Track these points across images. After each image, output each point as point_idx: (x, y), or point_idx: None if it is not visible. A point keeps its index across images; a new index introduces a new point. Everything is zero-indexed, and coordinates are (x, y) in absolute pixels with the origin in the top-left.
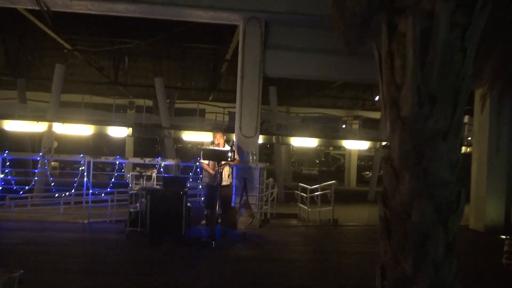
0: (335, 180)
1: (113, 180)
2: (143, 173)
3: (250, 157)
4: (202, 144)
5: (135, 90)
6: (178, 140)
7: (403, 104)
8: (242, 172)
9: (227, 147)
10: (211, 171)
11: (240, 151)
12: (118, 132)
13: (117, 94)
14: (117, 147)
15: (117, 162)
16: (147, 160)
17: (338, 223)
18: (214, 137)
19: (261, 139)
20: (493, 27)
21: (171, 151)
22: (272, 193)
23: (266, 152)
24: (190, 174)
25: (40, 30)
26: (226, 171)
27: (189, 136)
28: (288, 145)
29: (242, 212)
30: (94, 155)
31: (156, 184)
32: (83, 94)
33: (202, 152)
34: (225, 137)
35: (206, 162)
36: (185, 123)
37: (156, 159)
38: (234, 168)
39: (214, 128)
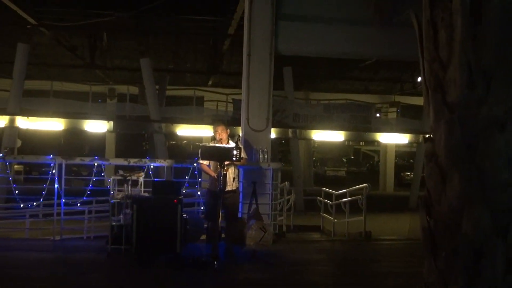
0: (367, 183)
1: (90, 186)
2: (128, 178)
3: (261, 156)
4: (200, 140)
5: (116, 74)
6: (171, 136)
7: (449, 86)
8: (251, 174)
9: (232, 144)
10: (212, 174)
11: (248, 148)
12: (96, 127)
13: (94, 80)
14: (95, 145)
15: (95, 164)
16: (133, 162)
17: (371, 237)
18: (215, 131)
19: (273, 133)
20: None
21: (162, 149)
22: (288, 201)
23: (281, 149)
24: (186, 178)
25: None
26: (230, 173)
27: (184, 130)
28: (308, 140)
29: (251, 225)
30: (66, 156)
31: (144, 191)
32: (52, 80)
33: (200, 151)
34: (228, 131)
35: (206, 162)
36: (179, 115)
37: (144, 160)
38: (241, 170)
39: (215, 121)
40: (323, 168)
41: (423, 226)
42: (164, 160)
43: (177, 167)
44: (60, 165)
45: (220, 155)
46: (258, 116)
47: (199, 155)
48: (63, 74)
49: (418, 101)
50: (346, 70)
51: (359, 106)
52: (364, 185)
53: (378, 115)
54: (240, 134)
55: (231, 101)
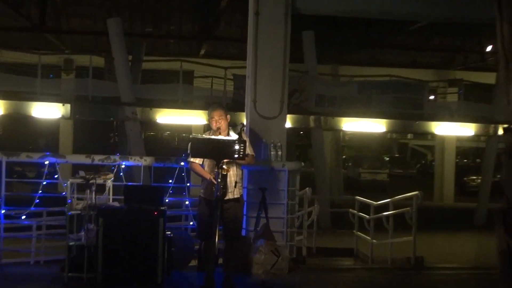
0: (417, 190)
1: (39, 193)
2: (91, 181)
3: (272, 153)
4: (189, 131)
5: (74, 40)
6: (149, 124)
7: None
8: (259, 177)
9: (233, 135)
10: (207, 176)
11: (255, 142)
12: (47, 111)
13: (45, 48)
14: (46, 137)
15: (47, 163)
16: (98, 159)
17: (424, 264)
18: (210, 118)
19: (289, 122)
20: None
21: (138, 143)
22: (310, 214)
23: (299, 144)
24: (171, 181)
25: None
26: (232, 176)
27: (168, 117)
28: (336, 131)
29: (259, 246)
30: (7, 151)
31: (114, 200)
32: None
33: (190, 145)
34: (229, 117)
35: (198, 161)
36: (161, 96)
37: (113, 157)
38: (246, 171)
39: (210, 104)
40: (357, 170)
41: (501, 250)
42: (141, 158)
43: (158, 167)
44: None
45: (217, 151)
46: (269, 98)
47: (188, 151)
48: (3, 40)
49: (489, 78)
50: (388, 36)
51: (407, 85)
52: (414, 193)
53: (432, 97)
54: (245, 123)
55: (231, 77)
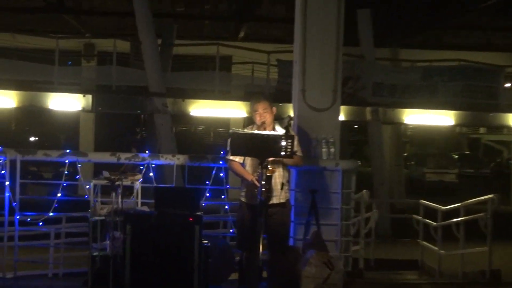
0: (492, 193)
1: (59, 195)
2: (117, 183)
3: (324, 150)
4: (227, 125)
5: (96, 21)
6: (181, 118)
7: None
8: (309, 179)
9: (279, 130)
10: (249, 178)
11: (304, 137)
12: (65, 103)
13: (63, 31)
14: (65, 132)
15: (66, 162)
16: (124, 158)
17: (501, 279)
18: (253, 111)
19: (343, 114)
20: None
21: (168, 139)
22: (367, 221)
23: (354, 140)
24: (207, 183)
25: None
26: (278, 177)
27: (202, 110)
28: (396, 125)
29: (309, 257)
30: (22, 149)
31: (143, 204)
32: None
33: (230, 141)
34: (274, 110)
35: (238, 159)
36: (194, 85)
37: (141, 156)
38: (294, 172)
39: (253, 94)
40: (421, 170)
41: None
42: (173, 156)
43: (192, 167)
44: (12, 163)
45: (261, 148)
46: (320, 86)
47: (227, 148)
48: (15, 22)
49: None
50: (457, 14)
51: (479, 71)
52: (488, 196)
53: (509, 84)
54: (292, 115)
55: (275, 63)
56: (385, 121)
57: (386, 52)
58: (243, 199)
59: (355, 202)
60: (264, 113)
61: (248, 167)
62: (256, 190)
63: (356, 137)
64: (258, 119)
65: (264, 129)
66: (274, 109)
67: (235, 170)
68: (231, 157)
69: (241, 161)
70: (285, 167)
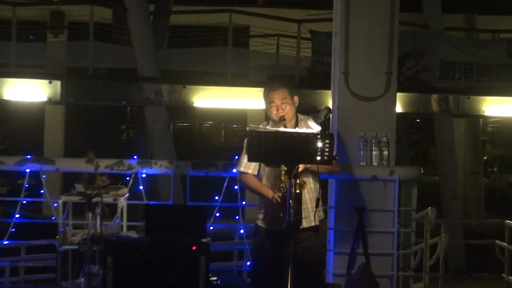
0: None
1: (16, 217)
2: (94, 200)
3: (374, 152)
4: (243, 120)
5: None
6: (181, 111)
7: None
8: (352, 191)
9: (314, 126)
10: (270, 195)
11: (347, 136)
12: (25, 92)
13: None
14: (25, 131)
15: (27, 172)
16: (104, 166)
17: None
18: (268, 102)
19: (399, 105)
20: None
21: (164, 139)
22: (434, 248)
23: (415, 139)
24: (217, 199)
25: None
26: (310, 191)
27: (209, 100)
28: (473, 118)
29: None
30: None
31: (129, 228)
32: None
33: (247, 142)
34: (296, 100)
35: (251, 170)
36: (199, 66)
37: (127, 162)
38: (333, 183)
39: (273, 80)
40: (507, 179)
41: None
42: (170, 163)
43: (196, 177)
44: None
45: (290, 152)
46: (369, 67)
47: (243, 151)
48: None
49: None
50: None
51: None
52: None
53: None
54: (331, 106)
55: (308, 35)
56: (458, 114)
57: (459, 19)
58: (260, 223)
59: (416, 224)
60: (282, 104)
61: (265, 179)
62: (280, 211)
63: (418, 136)
64: (274, 113)
65: (284, 126)
66: (296, 98)
67: (249, 186)
68: (242, 168)
69: (255, 172)
70: (316, 177)
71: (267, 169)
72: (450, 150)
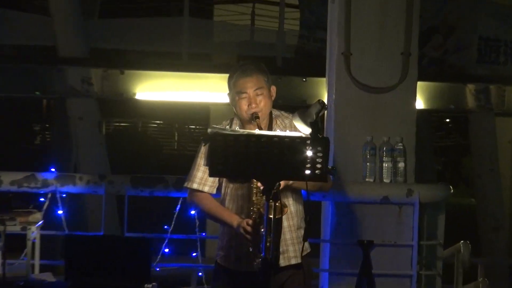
0: None
1: None
2: None
3: (386, 164)
4: (205, 118)
5: None
6: (118, 105)
7: None
8: (355, 218)
9: (301, 128)
10: (235, 222)
11: (346, 141)
12: None
13: None
14: None
15: None
16: (8, 182)
17: None
18: (235, 92)
19: (420, 98)
20: None
21: (94, 145)
22: None
23: (443, 145)
24: (166, 228)
25: None
26: (288, 216)
27: (156, 92)
28: None
29: None
30: None
31: (43, 268)
32: None
33: (207, 150)
34: (273, 91)
35: (207, 187)
36: (143, 44)
37: (41, 177)
38: (329, 205)
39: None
40: None
41: None
42: (101, 178)
43: (138, 198)
44: None
45: (265, 164)
46: (378, 46)
47: (198, 162)
48: None
49: None
50: None
51: None
52: None
53: None
54: (325, 100)
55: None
56: (503, 111)
57: None
58: (222, 262)
59: (444, 264)
60: (257, 97)
61: (229, 201)
62: (250, 245)
63: (446, 141)
64: (245, 109)
65: (259, 127)
66: (274, 89)
67: (205, 210)
68: (196, 185)
69: (213, 191)
70: (299, 196)
71: (231, 185)
72: (491, 161)
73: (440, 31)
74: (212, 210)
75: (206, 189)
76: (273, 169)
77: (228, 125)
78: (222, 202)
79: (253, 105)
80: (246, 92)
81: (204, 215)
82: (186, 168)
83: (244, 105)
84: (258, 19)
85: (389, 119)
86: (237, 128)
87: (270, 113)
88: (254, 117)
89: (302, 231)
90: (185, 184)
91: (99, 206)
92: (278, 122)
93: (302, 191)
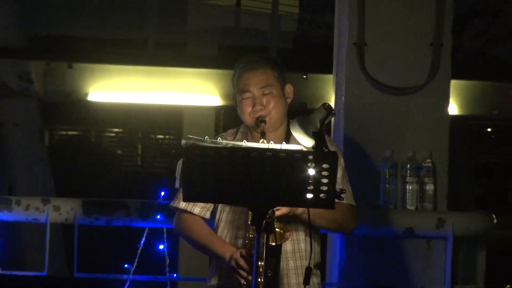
0: None
1: None
2: None
3: (410, 186)
4: (178, 126)
5: None
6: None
7: None
8: (373, 257)
9: (301, 139)
10: (227, 253)
11: (360, 157)
12: None
13: None
14: None
15: None
16: None
17: None
18: (238, 90)
19: (455, 104)
20: None
21: (33, 159)
22: None
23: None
24: (128, 268)
25: None
26: (295, 242)
27: (116, 93)
28: None
29: None
30: None
31: None
32: None
33: (181, 166)
34: (290, 91)
35: (197, 209)
36: (96, 31)
37: None
38: (338, 241)
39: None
40: None
41: None
42: (45, 203)
43: (93, 228)
44: None
45: (253, 186)
46: (401, 35)
47: (176, 184)
48: None
49: None
50: None
51: None
52: None
53: None
54: (332, 103)
55: None
56: None
57: None
58: None
59: None
60: (263, 96)
61: (223, 228)
62: (244, 280)
63: (489, 157)
64: (248, 111)
65: (262, 136)
66: (290, 88)
67: (193, 237)
68: (183, 205)
69: (206, 214)
70: (313, 228)
71: (227, 209)
72: None
73: (481, 15)
74: (203, 238)
75: (196, 210)
76: (265, 193)
77: (233, 134)
78: (215, 230)
79: (258, 107)
80: (249, 91)
81: (191, 243)
82: (153, 190)
83: (247, 107)
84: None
85: (414, 129)
86: (233, 140)
87: (288, 124)
88: (259, 121)
89: (315, 272)
90: (171, 203)
91: (41, 238)
92: (296, 138)
93: (323, 230)
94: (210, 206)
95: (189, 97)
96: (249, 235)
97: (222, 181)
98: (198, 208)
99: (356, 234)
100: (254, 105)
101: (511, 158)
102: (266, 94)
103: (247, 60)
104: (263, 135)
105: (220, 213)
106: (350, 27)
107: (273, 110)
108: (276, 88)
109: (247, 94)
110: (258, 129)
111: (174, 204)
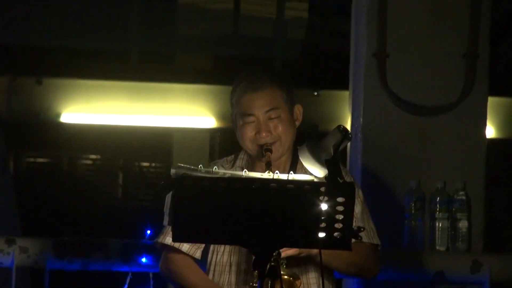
0: None
1: None
2: None
3: (441, 225)
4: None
5: None
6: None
7: None
8: None
9: (312, 169)
10: None
11: (379, 189)
12: None
13: None
14: None
15: None
16: None
17: None
18: (238, 112)
19: (492, 126)
20: None
21: None
22: None
23: None
24: None
25: None
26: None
27: (94, 115)
28: None
29: None
30: None
31: None
32: None
33: (170, 200)
34: (299, 111)
35: (188, 248)
36: (71, 40)
37: None
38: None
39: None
40: None
41: None
42: (9, 244)
43: (66, 274)
44: None
45: (255, 224)
46: (428, 45)
47: (164, 221)
48: None
49: None
50: None
51: None
52: None
53: None
54: (348, 126)
55: None
56: None
57: None
58: None
59: None
60: (269, 121)
61: (219, 274)
62: None
63: None
64: (249, 137)
65: (268, 167)
66: (299, 109)
67: (182, 280)
68: (169, 240)
69: (197, 254)
70: (328, 271)
71: (222, 250)
72: None
73: None
74: (194, 283)
75: (185, 248)
76: (269, 231)
77: (231, 162)
78: (208, 273)
79: (263, 134)
80: (253, 114)
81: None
82: (136, 228)
83: (249, 132)
84: (246, 1)
85: (445, 155)
86: (226, 167)
87: (295, 151)
88: (264, 150)
89: None
90: (156, 239)
91: (5, 285)
92: (306, 168)
93: (338, 274)
94: (196, 249)
95: (179, 118)
96: (252, 284)
97: (219, 217)
98: (188, 245)
99: (378, 279)
100: (258, 131)
101: None
102: (273, 119)
103: (249, 77)
104: (268, 167)
105: (213, 254)
106: (369, 36)
107: (281, 136)
108: (284, 111)
109: (251, 118)
110: (263, 159)
111: (159, 239)
